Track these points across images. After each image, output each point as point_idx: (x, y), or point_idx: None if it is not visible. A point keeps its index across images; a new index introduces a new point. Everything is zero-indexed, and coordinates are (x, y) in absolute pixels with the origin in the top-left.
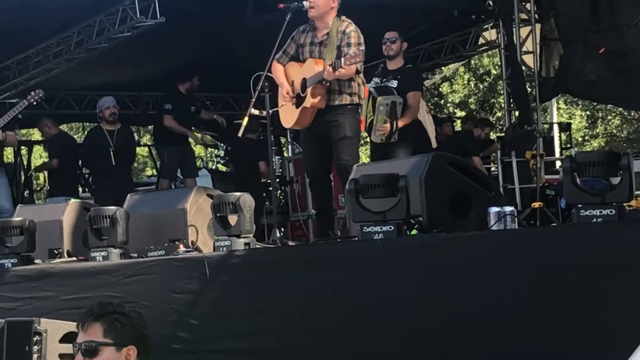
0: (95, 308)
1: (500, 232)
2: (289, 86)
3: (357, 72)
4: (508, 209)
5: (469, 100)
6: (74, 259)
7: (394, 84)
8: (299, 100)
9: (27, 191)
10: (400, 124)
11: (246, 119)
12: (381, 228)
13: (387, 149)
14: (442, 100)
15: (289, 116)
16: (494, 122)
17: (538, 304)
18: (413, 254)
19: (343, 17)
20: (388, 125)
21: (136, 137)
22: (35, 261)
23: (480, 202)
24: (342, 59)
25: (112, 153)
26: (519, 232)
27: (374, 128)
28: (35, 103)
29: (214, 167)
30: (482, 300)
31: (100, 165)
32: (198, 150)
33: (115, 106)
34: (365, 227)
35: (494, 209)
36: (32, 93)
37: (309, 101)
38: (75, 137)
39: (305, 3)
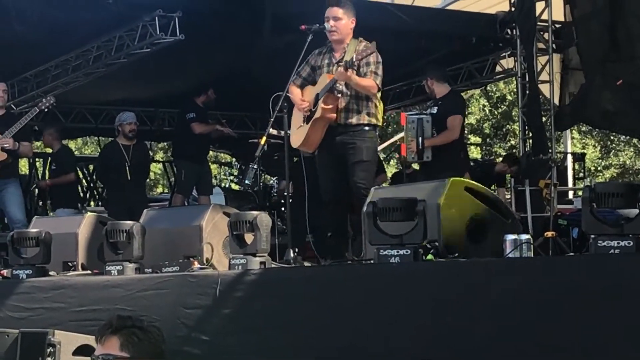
0: (114, 321)
1: (516, 260)
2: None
3: (379, 89)
4: (524, 237)
5: (484, 125)
6: (89, 272)
7: (434, 110)
8: (309, 116)
9: (41, 202)
10: (428, 143)
11: (264, 138)
12: (398, 252)
13: (425, 171)
14: None
15: (299, 135)
16: (507, 149)
17: (553, 332)
18: (429, 278)
19: (361, 38)
20: (414, 142)
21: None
22: (50, 273)
23: (497, 229)
24: (354, 54)
25: (127, 168)
26: (534, 260)
27: (407, 147)
28: (46, 110)
29: (227, 186)
30: (497, 325)
31: (116, 180)
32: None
33: (136, 123)
34: (381, 250)
35: (510, 237)
36: (44, 100)
37: (319, 112)
38: (89, 150)
39: (326, 25)
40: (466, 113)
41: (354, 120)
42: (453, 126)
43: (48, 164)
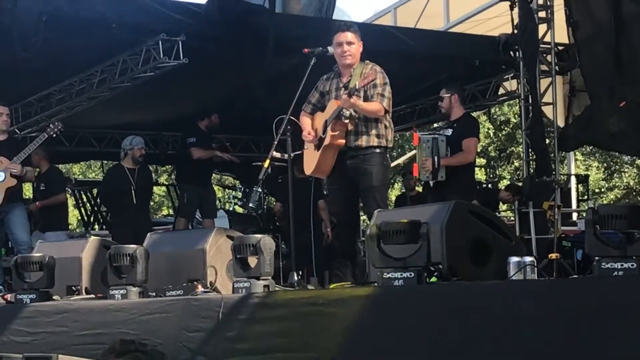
0: (117, 345)
1: (520, 282)
2: (314, 133)
3: (386, 111)
4: (528, 259)
5: (488, 148)
6: (92, 296)
7: (448, 132)
8: (319, 143)
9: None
10: (444, 162)
11: (268, 161)
12: (401, 274)
13: (438, 191)
14: None
15: (310, 162)
16: (511, 171)
17: (558, 354)
18: (433, 301)
19: (367, 61)
20: (429, 161)
21: (154, 177)
22: (54, 297)
23: (501, 251)
24: (357, 81)
25: (133, 192)
26: (538, 282)
27: (421, 167)
28: (54, 135)
29: (231, 209)
30: (500, 348)
31: (122, 204)
32: (215, 191)
33: (145, 147)
34: (385, 273)
35: (514, 259)
36: (52, 126)
37: (328, 138)
38: (92, 174)
39: (329, 49)
40: None
41: (363, 142)
42: (469, 148)
43: (36, 185)
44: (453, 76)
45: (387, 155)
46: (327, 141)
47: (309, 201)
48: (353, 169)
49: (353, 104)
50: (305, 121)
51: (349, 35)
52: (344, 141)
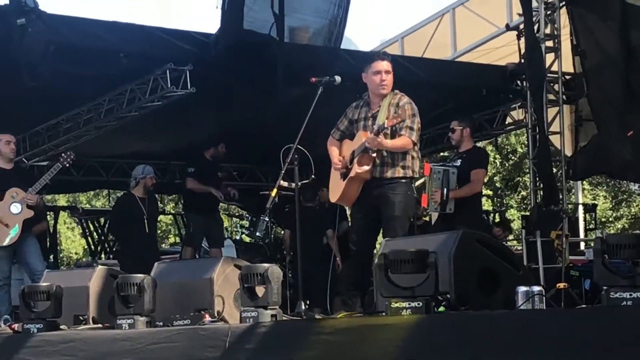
0: None
1: (528, 312)
2: (342, 161)
3: (414, 143)
4: (536, 288)
5: (495, 178)
6: (100, 325)
7: (457, 162)
8: (345, 173)
9: (52, 256)
10: (453, 194)
11: (275, 190)
12: (409, 304)
13: (445, 222)
14: None
15: (335, 190)
16: (519, 200)
17: None
18: (441, 330)
19: (396, 90)
20: (439, 193)
21: (160, 205)
22: (61, 327)
23: (508, 280)
24: (385, 121)
25: (145, 220)
26: (547, 312)
27: (430, 198)
28: (67, 165)
29: (238, 238)
30: None
31: (134, 232)
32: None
33: (155, 176)
34: (393, 302)
35: (522, 289)
36: (64, 155)
37: (354, 170)
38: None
39: (337, 78)
40: None
41: (388, 174)
42: (477, 179)
43: None
44: (460, 105)
45: (412, 185)
46: (352, 173)
47: (317, 230)
48: (377, 198)
49: (379, 144)
50: (333, 148)
51: (388, 65)
52: (370, 175)
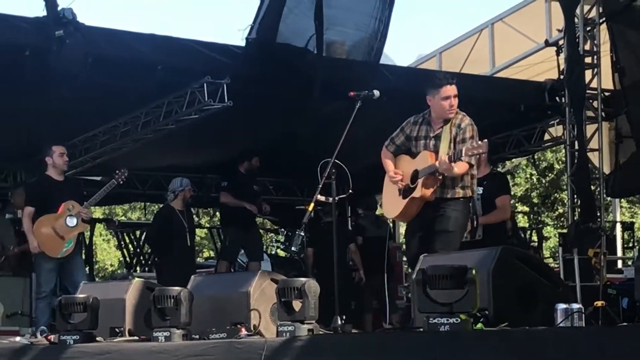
0: None
1: (568, 329)
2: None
3: (471, 165)
4: (575, 306)
5: (531, 194)
6: (136, 337)
7: (479, 190)
8: (407, 191)
9: (88, 267)
10: (482, 221)
11: (312, 205)
12: (447, 320)
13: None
14: None
15: (394, 207)
16: (555, 217)
17: None
18: (480, 347)
19: (458, 110)
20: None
21: (196, 219)
22: (97, 339)
23: (547, 297)
24: (463, 149)
25: (187, 234)
26: (587, 330)
27: None
28: (121, 182)
29: (273, 252)
30: None
31: (174, 246)
32: None
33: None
34: (431, 318)
35: (561, 306)
36: (118, 172)
37: (419, 191)
38: (135, 216)
39: (375, 92)
40: (512, 184)
41: (448, 195)
42: (504, 205)
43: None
44: (498, 121)
45: (470, 204)
46: (417, 194)
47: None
48: (433, 213)
49: (450, 171)
50: (387, 161)
51: (455, 88)
52: (434, 197)
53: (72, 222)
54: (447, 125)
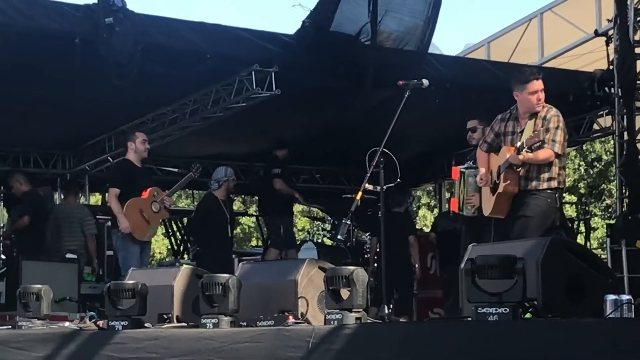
0: None
1: (618, 321)
2: (489, 175)
3: (557, 155)
4: (625, 297)
5: (579, 184)
6: (184, 324)
7: None
8: (494, 187)
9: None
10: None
11: (360, 194)
12: (496, 310)
13: (480, 224)
14: None
15: (487, 204)
16: (603, 208)
17: None
18: (529, 338)
19: (544, 104)
20: (477, 197)
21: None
22: (145, 325)
23: (597, 288)
24: (525, 140)
25: (228, 224)
26: (637, 322)
27: (464, 202)
28: (196, 177)
29: (319, 241)
30: None
31: (217, 236)
32: (303, 223)
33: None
34: (480, 308)
35: (610, 297)
36: (194, 167)
37: (501, 186)
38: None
39: (424, 81)
40: None
41: (533, 185)
42: None
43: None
44: None
45: (557, 196)
46: (500, 189)
47: (400, 236)
48: (519, 207)
49: (522, 161)
50: (481, 160)
51: (541, 83)
52: (517, 189)
53: (156, 207)
54: (532, 119)
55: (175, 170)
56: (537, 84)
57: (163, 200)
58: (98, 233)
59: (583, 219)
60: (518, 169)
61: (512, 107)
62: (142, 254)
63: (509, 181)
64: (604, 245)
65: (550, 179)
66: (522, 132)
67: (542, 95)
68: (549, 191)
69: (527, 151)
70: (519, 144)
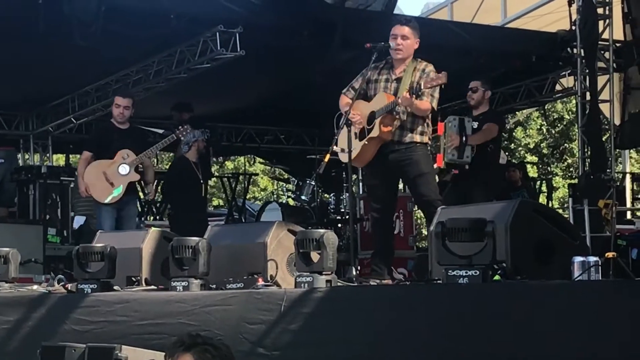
0: (185, 339)
1: (585, 283)
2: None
3: (433, 109)
4: (592, 259)
5: (541, 145)
6: (153, 287)
7: (474, 124)
8: (363, 133)
9: None
10: (472, 141)
11: (328, 156)
12: (466, 272)
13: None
14: (513, 145)
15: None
16: (564, 168)
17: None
18: (498, 300)
19: (419, 59)
20: (457, 138)
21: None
22: (114, 288)
23: (565, 250)
24: (422, 82)
25: (202, 185)
26: (603, 283)
27: (446, 147)
28: (182, 138)
29: (284, 201)
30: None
31: (191, 198)
32: (266, 183)
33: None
34: (450, 271)
35: (578, 259)
36: (180, 128)
37: (376, 130)
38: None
39: (392, 43)
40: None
41: (407, 138)
42: (489, 129)
43: None
44: (509, 72)
45: (429, 149)
46: (375, 133)
47: None
48: (396, 162)
49: (411, 103)
50: (344, 104)
51: (405, 30)
52: (391, 135)
53: (124, 170)
54: (409, 70)
55: (160, 131)
56: (400, 29)
57: (134, 162)
58: (62, 194)
59: (545, 178)
60: (397, 115)
61: (389, 57)
62: (121, 217)
63: (388, 127)
64: (566, 205)
65: (422, 133)
66: (397, 79)
67: (402, 42)
68: (419, 145)
69: (420, 95)
70: (414, 85)
